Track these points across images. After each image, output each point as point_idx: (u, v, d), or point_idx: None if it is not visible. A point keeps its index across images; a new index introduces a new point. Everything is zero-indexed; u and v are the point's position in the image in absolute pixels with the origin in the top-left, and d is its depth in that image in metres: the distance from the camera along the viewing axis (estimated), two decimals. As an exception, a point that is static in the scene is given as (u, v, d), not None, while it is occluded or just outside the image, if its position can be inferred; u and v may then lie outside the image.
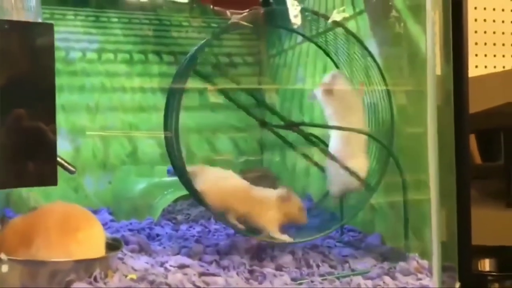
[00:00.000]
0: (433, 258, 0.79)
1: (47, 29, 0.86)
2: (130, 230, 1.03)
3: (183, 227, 1.08)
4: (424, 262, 0.85)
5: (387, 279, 0.81)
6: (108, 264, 0.66)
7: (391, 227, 1.02)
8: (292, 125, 0.91)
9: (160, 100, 1.51)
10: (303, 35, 1.09)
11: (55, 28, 1.40)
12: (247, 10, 0.97)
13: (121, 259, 0.72)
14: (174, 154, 0.90)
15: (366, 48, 0.96)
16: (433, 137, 0.86)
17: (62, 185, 1.30)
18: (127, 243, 0.82)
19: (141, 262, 0.73)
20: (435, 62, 0.87)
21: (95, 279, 0.61)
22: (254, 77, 1.54)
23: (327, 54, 1.06)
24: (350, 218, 1.00)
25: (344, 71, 1.03)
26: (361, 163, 0.94)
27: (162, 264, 0.75)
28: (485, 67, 1.47)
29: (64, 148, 1.34)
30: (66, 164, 0.91)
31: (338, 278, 0.82)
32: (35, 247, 0.63)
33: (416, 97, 0.94)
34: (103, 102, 1.39)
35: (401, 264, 0.86)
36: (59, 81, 1.40)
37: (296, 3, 1.03)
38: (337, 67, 1.07)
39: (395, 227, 0.99)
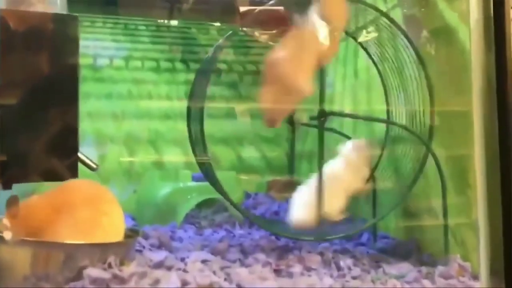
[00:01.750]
0: (480, 258, 0.72)
1: (71, 20, 0.85)
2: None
3: (207, 231, 1.04)
4: (467, 265, 0.78)
5: (425, 282, 0.75)
6: (124, 251, 0.62)
7: (428, 232, 0.95)
8: (323, 116, 0.86)
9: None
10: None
11: (83, 35, 1.41)
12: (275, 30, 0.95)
13: (139, 251, 0.68)
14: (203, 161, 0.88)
15: (409, 39, 0.91)
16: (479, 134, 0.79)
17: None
18: (146, 237, 0.78)
19: (160, 255, 0.68)
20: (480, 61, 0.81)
21: (110, 265, 0.57)
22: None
23: (367, 52, 1.02)
24: (383, 217, 0.94)
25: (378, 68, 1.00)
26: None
27: (182, 259, 0.70)
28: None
29: (89, 155, 1.33)
30: (87, 161, 0.89)
31: (372, 280, 0.76)
32: (58, 227, 0.60)
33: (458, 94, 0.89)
34: (130, 110, 1.38)
35: (441, 267, 0.79)
36: (86, 87, 1.41)
37: (324, 23, 1.01)
38: (374, 64, 1.03)
39: (433, 232, 0.92)
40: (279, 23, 0.95)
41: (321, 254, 0.85)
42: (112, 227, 0.64)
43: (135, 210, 1.21)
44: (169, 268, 0.59)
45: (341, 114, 1.04)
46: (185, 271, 0.58)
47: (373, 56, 1.02)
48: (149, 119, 1.39)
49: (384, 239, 1.01)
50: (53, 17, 0.84)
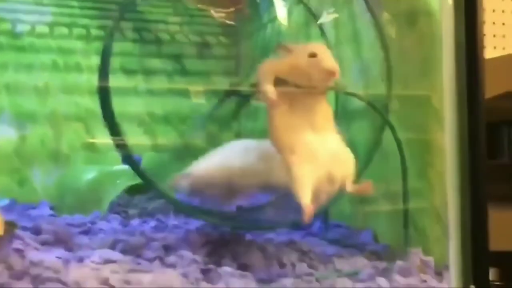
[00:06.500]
0: (444, 252, 0.60)
1: None
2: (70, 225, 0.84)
3: (134, 222, 0.89)
4: (429, 259, 0.66)
5: (381, 281, 0.63)
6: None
7: (386, 222, 0.84)
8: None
9: (123, 82, 1.33)
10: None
11: (0, -3, 1.22)
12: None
13: (19, 251, 0.53)
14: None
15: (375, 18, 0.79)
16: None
17: (4, 179, 1.14)
18: (38, 232, 0.63)
19: (49, 255, 0.54)
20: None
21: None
22: (231, 60, 1.37)
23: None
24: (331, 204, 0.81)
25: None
26: None
27: (80, 259, 0.56)
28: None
29: (8, 135, 1.17)
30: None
31: (317, 279, 0.63)
32: None
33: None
34: (55, 83, 1.21)
35: (400, 263, 0.67)
36: (3, 57, 1.23)
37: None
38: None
39: (392, 221, 0.81)
40: (235, 2, 0.93)
41: (263, 248, 0.72)
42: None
43: (55, 197, 1.05)
44: (36, 278, 0.44)
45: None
46: (60, 281, 0.44)
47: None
48: (79, 94, 1.23)
49: (337, 227, 0.89)
50: None
